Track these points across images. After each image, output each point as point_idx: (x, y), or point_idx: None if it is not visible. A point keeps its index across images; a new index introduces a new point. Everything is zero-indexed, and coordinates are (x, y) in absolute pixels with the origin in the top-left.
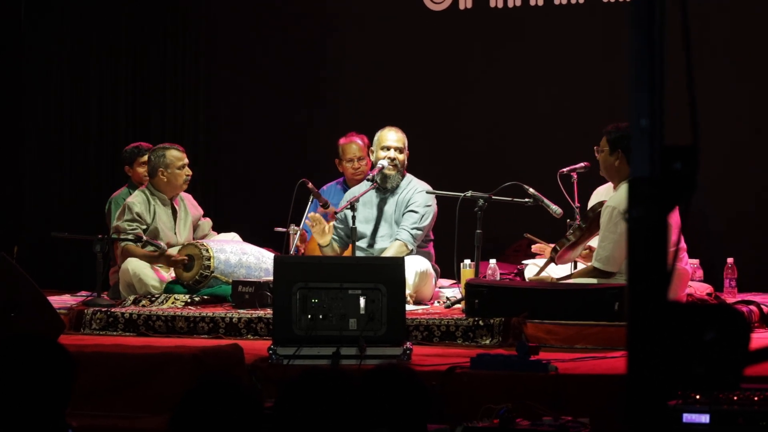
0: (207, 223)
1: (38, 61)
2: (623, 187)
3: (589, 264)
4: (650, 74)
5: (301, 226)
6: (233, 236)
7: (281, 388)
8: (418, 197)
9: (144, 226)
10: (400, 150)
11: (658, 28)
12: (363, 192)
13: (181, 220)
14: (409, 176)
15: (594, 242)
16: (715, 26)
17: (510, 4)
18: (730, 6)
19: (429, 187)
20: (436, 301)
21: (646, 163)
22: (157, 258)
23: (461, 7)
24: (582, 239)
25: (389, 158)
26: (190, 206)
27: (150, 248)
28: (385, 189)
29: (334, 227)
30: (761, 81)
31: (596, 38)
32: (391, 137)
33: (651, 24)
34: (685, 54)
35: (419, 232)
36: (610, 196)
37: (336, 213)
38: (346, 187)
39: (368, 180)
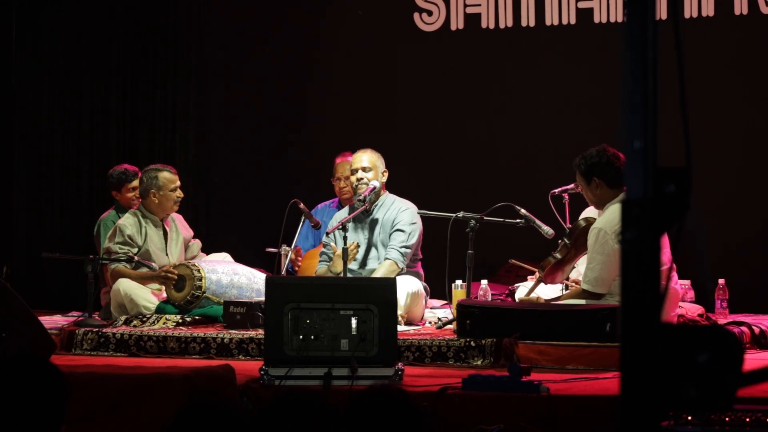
0: (196, 244)
1: (29, 81)
2: (610, 209)
3: (578, 286)
4: (643, 96)
5: (293, 246)
6: (224, 256)
7: (258, 412)
8: (403, 216)
9: (135, 249)
10: (368, 169)
11: (651, 50)
12: (356, 211)
13: (173, 241)
14: (391, 196)
15: (581, 265)
16: (706, 46)
17: (501, 25)
18: (720, 26)
19: (412, 205)
20: (428, 321)
21: (639, 184)
22: (149, 277)
23: (453, 27)
24: (569, 257)
25: (357, 179)
26: (181, 227)
27: (142, 269)
28: (368, 211)
29: (324, 252)
30: (752, 99)
31: (588, 59)
32: (357, 159)
33: (644, 45)
34: (678, 76)
35: (408, 250)
36: (597, 215)
37: (328, 234)
38: (340, 206)
39: (360, 201)
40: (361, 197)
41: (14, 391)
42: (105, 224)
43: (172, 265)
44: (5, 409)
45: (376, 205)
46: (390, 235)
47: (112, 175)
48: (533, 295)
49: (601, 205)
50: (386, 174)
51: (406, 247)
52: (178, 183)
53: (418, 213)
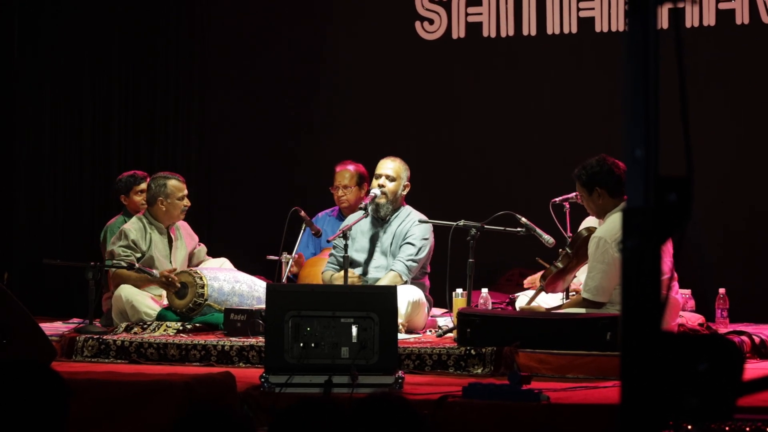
0: (202, 249)
1: (30, 87)
2: (611, 218)
3: (579, 295)
4: (644, 105)
5: (294, 253)
6: (223, 261)
7: (274, 417)
8: (416, 230)
9: (138, 254)
10: (391, 179)
11: (653, 59)
12: (355, 221)
13: (177, 249)
14: (408, 208)
15: (582, 274)
16: (707, 55)
17: (503, 34)
18: (721, 35)
19: (428, 220)
20: (428, 330)
21: (640, 193)
22: (151, 280)
23: (454, 36)
24: (570, 266)
25: (379, 185)
26: (186, 235)
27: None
28: (378, 218)
29: (333, 254)
30: (753, 108)
31: (589, 68)
32: (383, 165)
33: (645, 55)
34: (679, 84)
35: (414, 264)
36: (598, 224)
37: (329, 242)
38: (340, 215)
39: (361, 209)
40: (362, 205)
41: (15, 396)
42: (111, 230)
43: (172, 270)
44: (5, 414)
45: (394, 216)
46: (400, 247)
47: (120, 180)
48: (534, 303)
49: (602, 215)
50: (408, 187)
51: (414, 261)
52: (186, 192)
53: (420, 222)
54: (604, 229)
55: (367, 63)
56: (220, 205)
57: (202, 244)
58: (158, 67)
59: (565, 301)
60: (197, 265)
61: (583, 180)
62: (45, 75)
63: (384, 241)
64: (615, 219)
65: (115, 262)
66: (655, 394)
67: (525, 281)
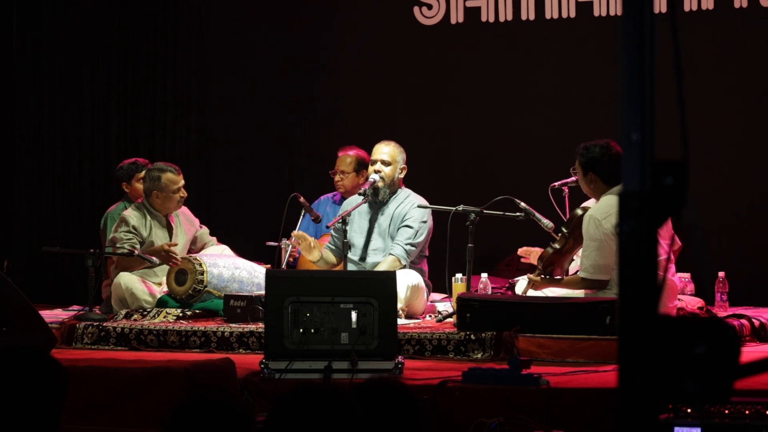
0: (205, 231)
1: (30, 75)
2: (604, 199)
3: (578, 275)
4: (640, 89)
5: (291, 239)
6: (223, 249)
7: (273, 403)
8: (414, 212)
9: (140, 239)
10: (387, 163)
11: (648, 43)
12: (354, 206)
13: (176, 237)
14: (406, 190)
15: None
16: (705, 39)
17: (501, 19)
18: (719, 19)
19: (426, 203)
20: (428, 315)
21: (636, 177)
22: (153, 253)
23: (453, 21)
24: (567, 247)
25: (375, 171)
26: (185, 221)
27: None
28: (377, 202)
29: (332, 236)
30: (751, 92)
31: (587, 52)
32: (378, 151)
33: (641, 38)
34: (675, 68)
35: (413, 248)
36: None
37: (327, 227)
38: (342, 199)
39: (360, 194)
40: (361, 190)
41: (14, 383)
42: (112, 217)
43: (172, 244)
44: (5, 400)
45: (391, 199)
46: (398, 230)
47: (122, 168)
48: (530, 291)
49: (594, 197)
50: (405, 170)
51: (412, 244)
52: (182, 183)
53: (419, 206)
54: (596, 207)
55: (366, 48)
56: (219, 191)
57: (204, 226)
58: (157, 53)
59: (566, 277)
60: (202, 248)
61: (581, 160)
62: (44, 63)
63: (382, 223)
64: (608, 199)
65: (117, 245)
66: (653, 377)
67: (520, 250)
